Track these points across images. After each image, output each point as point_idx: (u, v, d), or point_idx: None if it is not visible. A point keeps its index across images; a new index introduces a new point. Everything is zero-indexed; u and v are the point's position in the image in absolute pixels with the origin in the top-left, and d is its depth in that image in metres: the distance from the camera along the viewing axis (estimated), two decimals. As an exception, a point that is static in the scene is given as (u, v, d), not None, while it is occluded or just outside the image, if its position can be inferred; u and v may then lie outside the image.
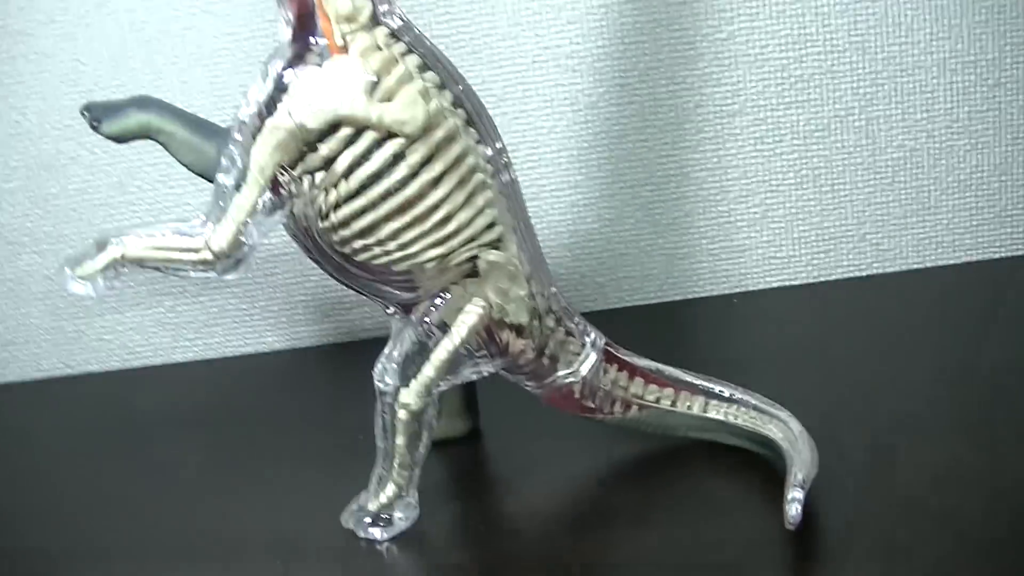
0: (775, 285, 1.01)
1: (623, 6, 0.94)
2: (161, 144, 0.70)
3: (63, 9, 0.95)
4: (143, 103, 0.72)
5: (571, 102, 0.96)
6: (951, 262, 1.00)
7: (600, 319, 0.71)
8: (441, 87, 0.64)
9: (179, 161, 0.70)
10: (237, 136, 0.64)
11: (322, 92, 0.62)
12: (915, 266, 1.00)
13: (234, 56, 0.96)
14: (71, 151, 0.99)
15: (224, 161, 0.65)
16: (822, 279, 1.01)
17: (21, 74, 0.97)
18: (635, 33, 0.94)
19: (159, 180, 0.99)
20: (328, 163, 0.62)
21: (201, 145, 0.70)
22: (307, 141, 0.62)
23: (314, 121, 0.62)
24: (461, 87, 0.65)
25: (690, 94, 0.96)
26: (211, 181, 0.68)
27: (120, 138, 0.70)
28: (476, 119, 0.65)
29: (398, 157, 0.62)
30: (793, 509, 0.61)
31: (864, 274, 1.01)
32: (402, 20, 0.65)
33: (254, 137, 0.63)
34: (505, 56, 0.95)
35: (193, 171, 0.71)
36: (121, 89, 0.96)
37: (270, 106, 0.63)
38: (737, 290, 1.01)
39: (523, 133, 0.97)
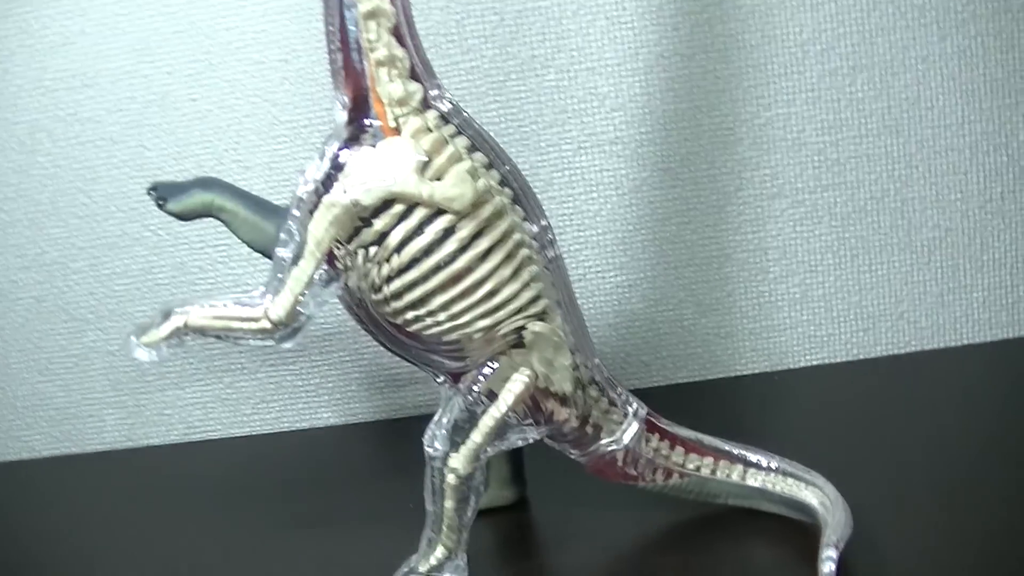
0: (815, 363, 1.01)
1: (665, 94, 0.96)
2: (223, 222, 0.72)
3: (130, 98, 0.99)
4: (206, 183, 0.75)
5: (616, 186, 0.98)
6: (987, 339, 1.00)
7: (644, 396, 0.72)
8: (489, 167, 0.66)
9: (239, 238, 0.72)
10: (295, 212, 0.66)
11: (376, 170, 0.65)
12: (952, 343, 1.00)
13: (291, 141, 0.98)
14: (135, 232, 1.01)
15: (283, 236, 0.67)
16: (861, 356, 1.01)
17: (89, 158, 1.00)
18: (676, 119, 0.96)
19: (219, 260, 1.01)
20: (381, 238, 0.65)
21: (261, 223, 0.73)
22: (361, 217, 0.65)
23: (368, 198, 0.64)
24: (507, 167, 0.67)
25: (730, 178, 0.98)
26: (270, 258, 0.70)
27: (184, 216, 0.73)
28: (522, 197, 0.67)
29: (448, 232, 0.64)
30: (827, 567, 0.61)
31: (902, 351, 1.01)
32: (451, 104, 0.67)
33: (311, 213, 0.66)
34: (552, 142, 0.97)
35: (253, 248, 0.73)
36: (184, 173, 0.99)
37: (327, 184, 0.66)
38: (778, 368, 1.01)
39: (569, 216, 0.99)
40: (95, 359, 1.04)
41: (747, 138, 0.97)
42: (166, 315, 0.67)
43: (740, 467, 0.71)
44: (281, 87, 0.97)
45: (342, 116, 0.68)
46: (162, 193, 0.74)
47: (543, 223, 0.68)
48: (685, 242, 0.99)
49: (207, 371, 1.02)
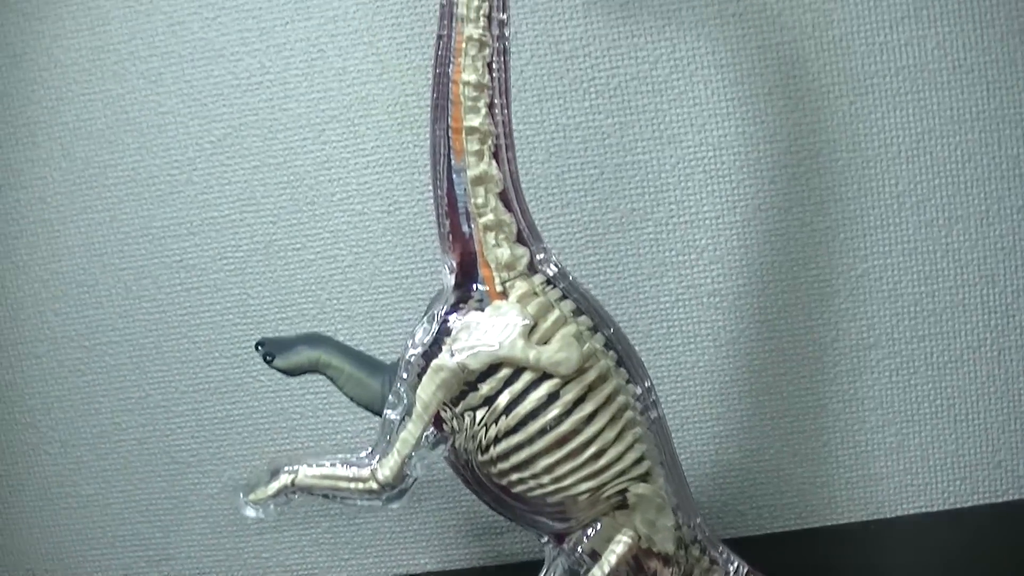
0: (911, 512, 0.98)
1: (763, 246, 0.94)
2: (329, 378, 0.71)
3: (234, 247, 0.98)
4: (313, 340, 0.73)
5: (713, 338, 0.96)
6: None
7: (740, 546, 0.70)
8: (594, 330, 0.66)
9: (345, 394, 0.71)
10: (403, 375, 0.67)
11: (483, 335, 0.65)
12: (1052, 494, 0.97)
13: (393, 291, 0.97)
14: (237, 378, 1.00)
15: (391, 398, 0.68)
16: (958, 505, 0.98)
17: (193, 305, 0.99)
18: (774, 271, 0.94)
19: (320, 407, 1.00)
20: (488, 401, 0.64)
21: (367, 380, 0.71)
22: (468, 381, 0.64)
23: (475, 362, 0.64)
24: (612, 330, 0.67)
25: (826, 329, 0.96)
26: (375, 413, 0.70)
27: (291, 372, 0.72)
28: (626, 359, 0.67)
29: (554, 396, 0.64)
30: None
31: (1000, 500, 0.98)
32: (557, 267, 0.68)
33: (419, 376, 0.66)
34: (650, 295, 0.96)
35: (358, 404, 0.72)
36: (286, 321, 0.98)
37: (434, 347, 0.66)
38: (874, 517, 0.98)
39: (667, 368, 0.97)
40: (195, 502, 1.02)
41: (843, 289, 0.94)
42: (274, 473, 0.66)
43: None
44: (383, 238, 0.96)
45: (449, 280, 0.69)
46: (269, 349, 0.73)
47: (647, 384, 0.67)
48: (782, 392, 0.96)
49: (305, 515, 1.00)
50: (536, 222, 0.71)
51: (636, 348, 0.66)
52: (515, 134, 0.71)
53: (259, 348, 0.74)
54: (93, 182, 0.98)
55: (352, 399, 0.74)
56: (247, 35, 0.95)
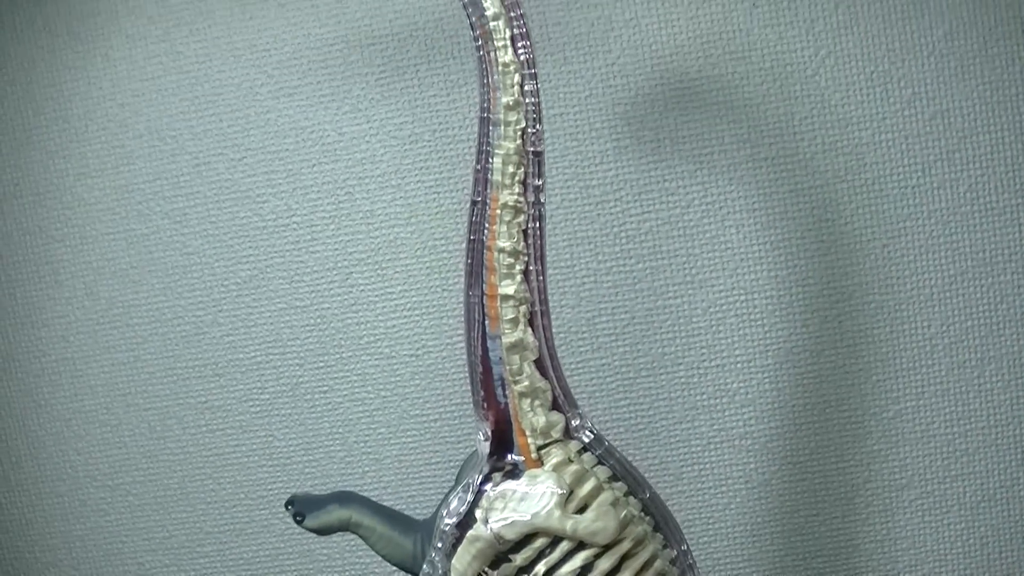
0: (944, 652, 0.95)
1: (794, 389, 0.91)
2: (360, 537, 0.69)
3: (260, 388, 0.95)
4: (343, 498, 0.70)
5: (745, 480, 0.93)
6: None
7: None
8: (629, 495, 0.65)
9: (376, 552, 0.68)
10: (438, 544, 0.65)
11: (518, 505, 0.63)
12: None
13: (421, 435, 0.94)
14: (263, 519, 0.97)
15: (426, 567, 0.66)
16: (991, 647, 0.95)
17: (218, 446, 0.96)
18: (806, 414, 0.92)
19: (348, 549, 0.96)
20: (523, 572, 0.62)
21: (399, 539, 0.69)
22: (503, 551, 0.62)
23: (511, 532, 0.62)
24: (648, 494, 0.65)
25: (859, 470, 0.93)
26: (406, 571, 0.69)
27: (321, 531, 0.69)
28: (662, 524, 0.65)
29: (588, 567, 0.62)
30: None
31: (1032, 641, 0.95)
32: (592, 432, 0.66)
33: (454, 546, 0.64)
34: (681, 438, 0.93)
35: (390, 562, 0.71)
36: (312, 463, 0.94)
37: (469, 517, 0.64)
38: (907, 657, 0.95)
39: (698, 510, 0.93)
40: (220, 645, 0.98)
41: (876, 431, 0.91)
42: None
43: None
44: (411, 381, 0.93)
45: (484, 446, 0.67)
46: (299, 508, 0.70)
47: (683, 548, 0.66)
48: (814, 533, 0.93)
49: (332, 659, 0.97)
50: (566, 366, 0.69)
51: (666, 490, 0.64)
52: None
53: (289, 507, 0.71)
54: (117, 321, 0.94)
55: (384, 558, 0.72)
56: (273, 176, 0.91)
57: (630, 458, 0.73)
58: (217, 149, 0.92)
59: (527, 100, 0.64)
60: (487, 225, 0.66)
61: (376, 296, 0.91)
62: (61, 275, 0.94)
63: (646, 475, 0.75)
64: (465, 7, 0.67)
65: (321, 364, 0.92)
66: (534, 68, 0.66)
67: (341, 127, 0.91)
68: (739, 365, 0.91)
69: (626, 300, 0.90)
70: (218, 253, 0.92)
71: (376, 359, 0.92)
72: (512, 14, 0.65)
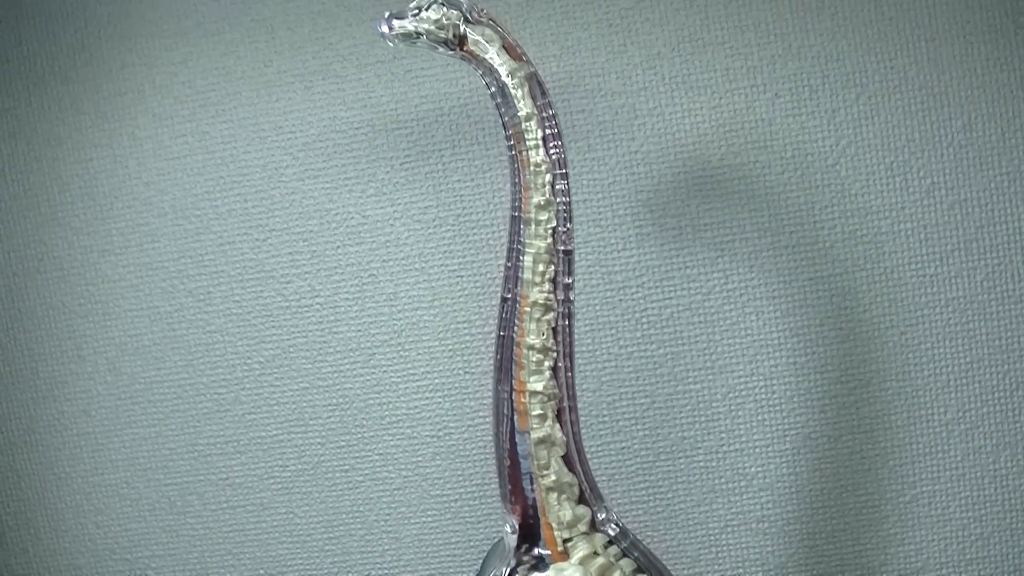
0: None
1: (812, 473, 0.90)
2: None
3: (281, 466, 0.93)
4: None
5: (762, 563, 0.92)
6: None
7: None
8: None
9: None
10: None
11: None
12: None
13: (442, 515, 0.93)
14: (282, 596, 0.95)
15: None
16: None
17: (239, 522, 0.96)
18: (823, 498, 0.91)
19: (366, 629, 0.95)
20: None
21: None
22: None
23: None
24: None
25: (875, 553, 0.92)
26: None
27: None
28: None
29: None
30: None
31: None
32: (618, 526, 0.66)
33: None
34: (699, 520, 0.91)
35: None
36: (332, 540, 0.94)
37: None
38: None
39: (717, 594, 0.92)
40: None
41: (892, 515, 0.90)
42: None
43: None
44: (433, 462, 0.92)
45: (511, 539, 0.66)
46: None
47: None
48: (830, 616, 0.92)
49: None
50: (587, 449, 0.68)
51: (684, 572, 0.63)
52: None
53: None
54: (139, 397, 0.93)
55: None
56: (298, 257, 0.90)
57: (648, 540, 0.72)
58: (242, 229, 0.90)
59: (558, 200, 0.64)
60: (517, 322, 0.66)
61: (399, 377, 0.90)
62: (84, 351, 0.92)
63: (664, 557, 0.73)
64: (498, 107, 0.66)
65: (343, 443, 0.91)
66: (565, 168, 0.66)
67: (365, 210, 0.89)
68: (757, 449, 0.90)
69: (647, 384, 0.89)
70: (241, 332, 0.91)
71: (398, 439, 0.91)
72: (544, 114, 0.65)
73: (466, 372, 0.89)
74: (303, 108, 0.89)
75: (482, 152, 0.87)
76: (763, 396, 0.89)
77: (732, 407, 0.89)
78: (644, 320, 0.88)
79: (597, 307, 0.88)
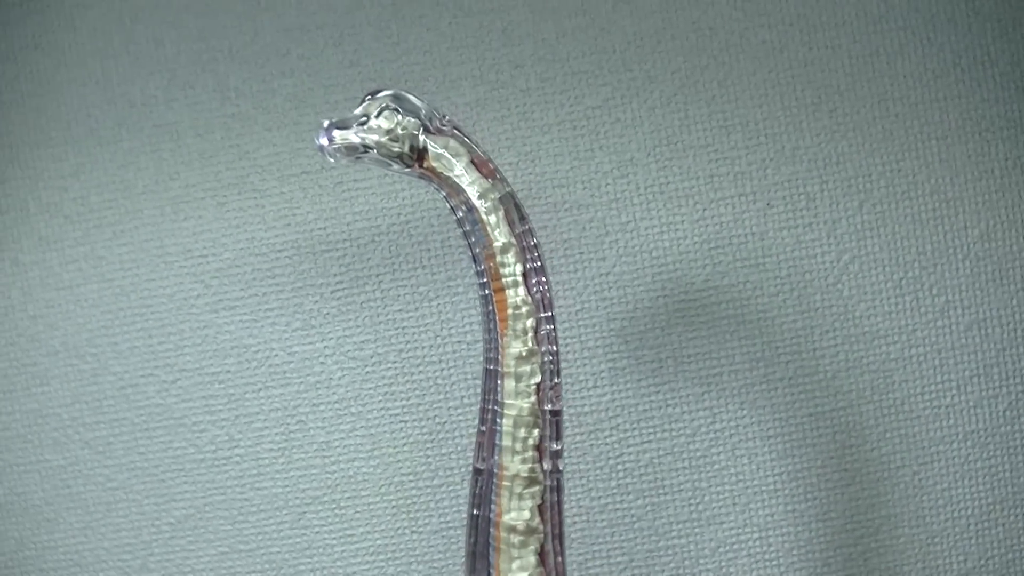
0: None
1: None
2: None
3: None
4: None
5: None
6: None
7: None
8: None
9: None
10: None
11: None
12: None
13: None
14: None
15: None
16: None
17: None
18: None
19: None
20: None
21: None
22: None
23: None
24: None
25: None
26: None
27: None
28: None
29: None
30: None
31: None
32: None
33: None
34: None
35: None
36: None
37: None
38: None
39: None
40: None
41: None
42: None
43: None
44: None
45: None
46: None
47: None
48: None
49: None
50: None
51: None
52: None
53: None
54: (28, 565, 0.71)
55: None
56: (212, 402, 0.69)
57: None
58: (146, 370, 0.72)
59: (543, 348, 0.51)
60: (494, 499, 0.52)
61: (334, 539, 0.69)
62: None
63: None
64: (465, 235, 0.51)
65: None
66: (551, 310, 0.51)
67: (291, 346, 0.71)
68: (754, 613, 0.69)
69: (623, 541, 0.69)
70: (147, 489, 0.70)
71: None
72: (524, 243, 0.51)
73: (413, 532, 0.69)
74: (216, 228, 0.70)
75: (427, 277, 0.67)
76: (758, 550, 0.69)
77: (722, 563, 0.69)
78: (620, 467, 0.68)
79: (566, 454, 0.66)
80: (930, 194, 0.69)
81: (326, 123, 0.52)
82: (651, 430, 0.70)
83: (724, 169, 0.69)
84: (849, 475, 0.70)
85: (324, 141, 0.51)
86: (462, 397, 0.69)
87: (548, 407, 0.51)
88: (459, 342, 0.68)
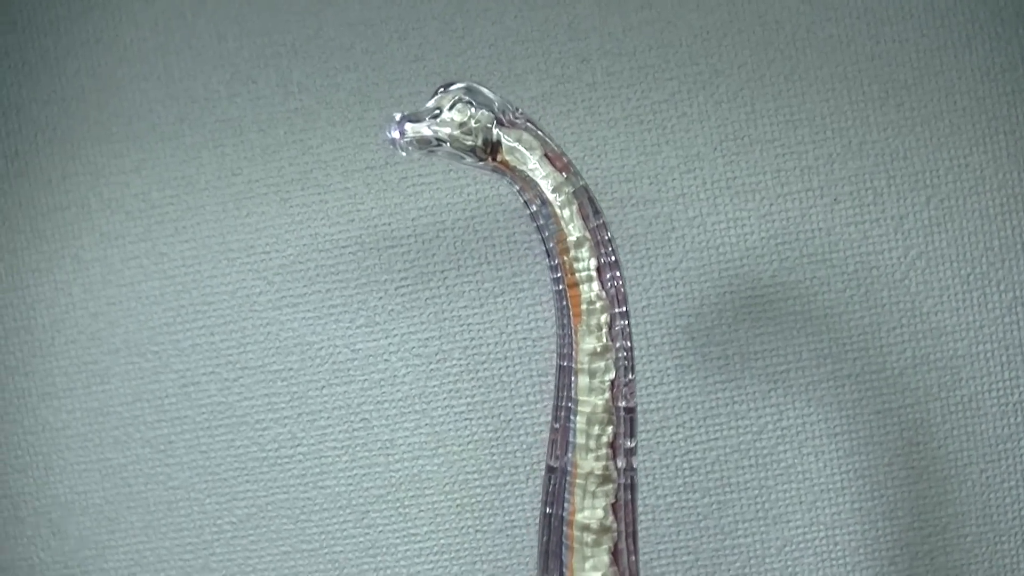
0: None
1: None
2: None
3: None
4: None
5: None
6: None
7: None
8: None
9: None
10: None
11: None
12: None
13: None
14: None
15: None
16: None
17: None
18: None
19: None
20: None
21: None
22: None
23: None
24: None
25: None
26: None
27: None
28: None
29: None
30: None
31: None
32: None
33: None
34: None
35: None
36: None
37: None
38: None
39: None
40: None
41: None
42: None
43: None
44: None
45: None
46: None
47: None
48: None
49: None
50: None
51: None
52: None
53: None
54: (88, 565, 0.67)
55: None
56: (275, 400, 0.66)
57: None
58: (208, 367, 0.69)
59: (618, 345, 0.49)
60: (567, 496, 0.49)
61: (397, 538, 0.66)
62: (22, 511, 0.68)
63: None
64: (539, 230, 0.49)
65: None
66: (626, 305, 0.49)
67: (355, 343, 0.68)
68: (820, 614, 0.66)
69: (690, 539, 0.66)
70: (210, 488, 0.66)
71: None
72: (599, 238, 0.49)
73: (477, 531, 0.65)
74: (279, 224, 0.67)
75: (493, 273, 0.64)
76: (824, 549, 0.66)
77: (789, 562, 0.66)
78: (686, 465, 0.65)
79: (631, 452, 0.63)
80: (998, 189, 0.65)
81: (398, 116, 0.50)
82: (717, 427, 0.66)
83: (791, 164, 0.65)
84: (916, 473, 0.67)
85: (396, 134, 0.49)
86: (527, 394, 0.66)
87: (622, 403, 0.49)
88: (524, 339, 0.65)
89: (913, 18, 0.65)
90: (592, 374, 0.49)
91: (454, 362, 0.66)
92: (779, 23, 0.65)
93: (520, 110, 0.50)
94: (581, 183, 0.49)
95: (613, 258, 0.49)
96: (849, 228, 0.66)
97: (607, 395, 0.49)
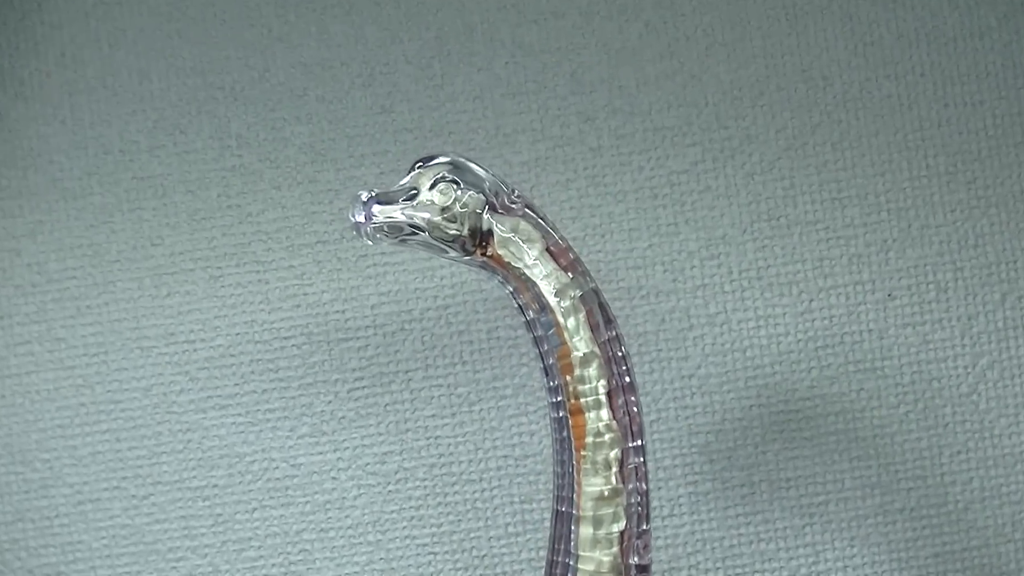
0: None
1: None
2: None
3: None
4: None
5: None
6: None
7: None
8: None
9: None
10: None
11: None
12: None
13: None
14: None
15: None
16: None
17: None
18: None
19: None
20: None
21: None
22: None
23: None
24: None
25: None
26: None
27: None
28: None
29: None
30: None
31: None
32: None
33: None
34: None
35: None
36: None
37: None
38: None
39: None
40: None
41: None
42: None
43: None
44: None
45: None
46: None
47: None
48: None
49: None
50: None
51: None
52: None
53: None
54: None
55: None
56: (194, 524, 0.59)
57: None
58: (111, 482, 0.57)
59: (629, 487, 0.42)
60: None
61: None
62: None
63: None
64: (536, 341, 0.42)
65: None
66: (643, 438, 0.42)
67: (296, 457, 0.56)
68: None
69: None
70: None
71: None
72: (611, 354, 0.42)
73: None
74: (206, 307, 0.56)
75: (469, 376, 0.55)
76: None
77: None
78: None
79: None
80: (1085, 287, 0.53)
81: (365, 195, 0.42)
82: (739, 569, 0.55)
83: (836, 251, 0.56)
84: (980, 630, 0.53)
85: (362, 218, 0.42)
86: (507, 525, 0.54)
87: (634, 560, 0.42)
88: (505, 457, 0.54)
89: (990, 76, 0.55)
90: (597, 523, 0.42)
91: (417, 483, 0.56)
92: (827, 79, 0.54)
93: (517, 192, 0.43)
94: (591, 286, 0.42)
95: (628, 380, 0.42)
96: (906, 330, 0.57)
97: (615, 550, 0.42)
